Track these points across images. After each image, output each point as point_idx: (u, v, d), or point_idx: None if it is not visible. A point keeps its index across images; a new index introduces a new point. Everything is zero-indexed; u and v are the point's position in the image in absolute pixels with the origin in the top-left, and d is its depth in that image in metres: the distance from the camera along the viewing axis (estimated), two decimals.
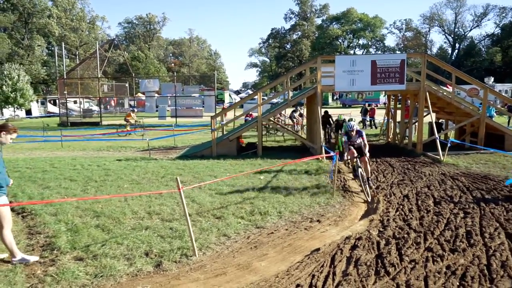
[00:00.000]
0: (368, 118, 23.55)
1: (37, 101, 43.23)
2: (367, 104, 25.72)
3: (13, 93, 35.13)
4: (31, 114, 40.17)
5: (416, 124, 14.33)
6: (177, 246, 4.97)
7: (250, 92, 49.06)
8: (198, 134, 19.49)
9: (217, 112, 15.57)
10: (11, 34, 56.73)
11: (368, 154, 8.48)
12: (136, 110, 27.35)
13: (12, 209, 6.79)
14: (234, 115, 18.75)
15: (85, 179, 9.40)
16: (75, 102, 36.07)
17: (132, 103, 38.66)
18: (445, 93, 13.07)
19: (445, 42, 76.79)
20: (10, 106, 36.80)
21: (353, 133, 8.48)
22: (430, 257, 4.35)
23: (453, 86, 12.81)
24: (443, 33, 74.93)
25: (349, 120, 12.54)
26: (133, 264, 4.41)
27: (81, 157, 13.40)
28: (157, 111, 29.31)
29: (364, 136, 8.58)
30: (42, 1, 59.85)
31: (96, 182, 9.04)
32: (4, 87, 34.69)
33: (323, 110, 14.51)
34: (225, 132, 15.62)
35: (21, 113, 39.16)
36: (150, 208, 6.74)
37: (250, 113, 18.41)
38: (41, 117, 38.55)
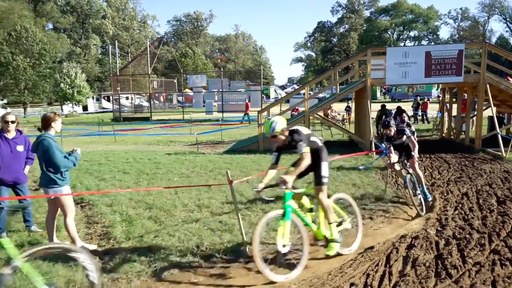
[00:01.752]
0: (420, 113, 22.54)
1: (93, 98, 45.53)
2: (419, 98, 24.56)
3: (71, 90, 37.20)
4: (87, 110, 42.37)
5: (474, 118, 13.49)
6: (227, 240, 4.98)
7: (296, 87, 48.67)
8: (244, 128, 19.58)
9: (263, 107, 15.56)
10: (70, 35, 60.14)
11: (416, 156, 6.66)
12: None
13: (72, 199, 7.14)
14: (280, 110, 18.66)
15: (137, 172, 9.71)
16: (127, 98, 37.57)
17: (180, 98, 39.64)
18: (508, 86, 12.16)
19: (506, 31, 71.72)
20: (68, 102, 39.03)
21: (391, 133, 6.58)
22: (497, 260, 4.03)
23: None
24: (504, 21, 69.97)
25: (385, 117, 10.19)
26: (185, 256, 4.45)
27: (133, 151, 13.90)
28: (204, 106, 29.85)
29: (409, 134, 6.71)
30: (98, 2, 62.90)
31: (147, 175, 9.31)
32: (62, 84, 36.81)
33: (380, 104, 14.05)
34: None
35: (78, 109, 41.40)
36: (200, 201, 6.82)
37: (297, 107, 18.21)
38: (96, 112, 40.54)
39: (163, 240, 4.95)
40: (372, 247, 4.64)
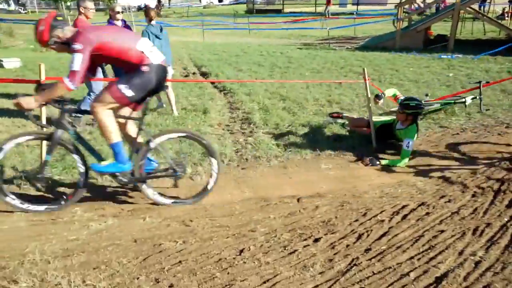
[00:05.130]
0: None
1: None
2: None
3: None
4: (222, 1, 43.55)
5: None
6: (356, 134, 5.20)
7: None
8: (381, 24, 18.16)
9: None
10: None
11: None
12: None
13: (216, 87, 8.03)
14: (424, 3, 16.59)
15: (271, 65, 10.17)
16: None
17: None
18: None
19: None
20: None
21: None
22: None
23: None
24: None
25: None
26: (316, 145, 4.86)
27: (266, 44, 14.33)
28: None
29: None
30: None
31: (280, 69, 9.71)
32: None
33: None
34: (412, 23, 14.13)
35: (214, 1, 42.82)
36: (330, 97, 7.02)
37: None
38: (230, 4, 41.46)
39: (296, 129, 5.41)
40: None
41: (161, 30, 5.79)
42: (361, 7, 25.50)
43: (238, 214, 3.29)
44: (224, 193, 3.68)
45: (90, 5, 5.15)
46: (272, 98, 7.03)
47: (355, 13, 21.39)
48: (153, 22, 5.77)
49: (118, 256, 2.63)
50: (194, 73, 9.65)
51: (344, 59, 10.74)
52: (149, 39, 5.19)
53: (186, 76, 9.39)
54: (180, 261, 2.59)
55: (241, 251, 2.72)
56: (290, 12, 27.65)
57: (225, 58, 11.26)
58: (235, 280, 2.39)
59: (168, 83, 6.08)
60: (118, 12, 5.91)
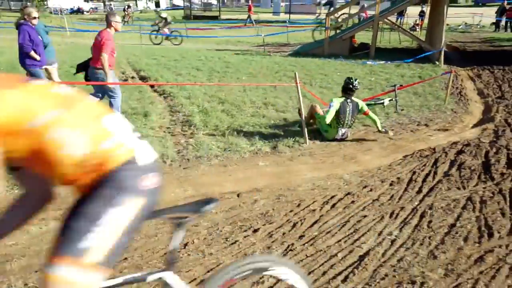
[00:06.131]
0: (504, 19, 20.07)
1: None
2: (506, 2, 21.55)
3: None
4: (159, 6, 42.60)
5: None
6: (290, 134, 5.46)
7: None
8: (310, 32, 18.95)
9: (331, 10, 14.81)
10: None
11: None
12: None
13: (155, 91, 7.93)
14: (349, 12, 17.62)
15: (209, 69, 10.22)
16: None
17: None
18: None
19: None
20: None
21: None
22: None
23: None
24: None
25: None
26: (253, 144, 5.03)
27: (204, 50, 14.33)
28: (271, 6, 28.77)
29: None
30: None
31: (218, 73, 9.80)
32: None
33: (460, 10, 12.77)
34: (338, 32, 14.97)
35: (152, 5, 41.80)
36: (266, 100, 7.26)
37: (365, 10, 17.09)
38: (168, 9, 40.70)
39: (235, 130, 5.54)
40: (422, 150, 4.89)
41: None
42: (293, 16, 26.40)
43: None
44: (167, 193, 3.70)
45: (119, 19, 5.39)
46: (211, 101, 7.11)
47: (287, 21, 22.10)
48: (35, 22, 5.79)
49: None
50: (133, 77, 9.41)
51: (278, 64, 11.10)
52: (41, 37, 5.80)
53: (125, 80, 9.13)
54: (126, 258, 2.61)
55: (185, 244, 2.79)
56: (227, 19, 27.83)
57: (164, 62, 11.12)
58: (180, 272, 2.46)
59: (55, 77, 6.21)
60: (35, 18, 5.71)
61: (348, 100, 5.30)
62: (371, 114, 5.48)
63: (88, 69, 5.32)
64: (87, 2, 37.30)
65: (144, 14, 35.10)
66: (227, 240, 2.88)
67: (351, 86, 5.31)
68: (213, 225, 3.10)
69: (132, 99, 7.05)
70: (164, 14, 16.72)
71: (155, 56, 12.25)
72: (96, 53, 5.13)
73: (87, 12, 33.49)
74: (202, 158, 4.59)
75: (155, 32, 16.30)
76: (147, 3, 40.62)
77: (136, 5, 40.51)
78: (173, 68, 10.32)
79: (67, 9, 33.61)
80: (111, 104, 5.37)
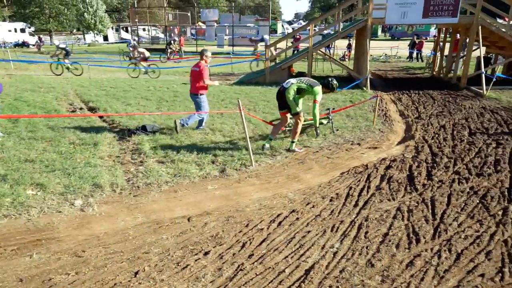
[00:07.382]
0: (415, 51, 22.03)
1: (112, 28, 44.28)
2: (415, 37, 23.77)
3: (94, 20, 36.21)
4: (107, 40, 41.48)
5: (464, 58, 13.29)
6: (237, 157, 5.45)
7: (303, 23, 46.64)
8: (253, 62, 19.41)
9: (270, 42, 15.40)
10: None
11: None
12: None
13: (105, 121, 7.59)
14: (286, 45, 18.33)
15: (158, 99, 10.02)
16: (144, 29, 36.57)
17: (193, 31, 38.53)
18: (499, 27, 11.79)
19: None
20: (91, 32, 38.17)
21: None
22: (456, 179, 4.48)
23: (510, 19, 11.48)
24: None
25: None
26: (203, 169, 4.95)
27: (153, 80, 14.08)
28: (216, 39, 29.16)
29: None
30: None
31: (167, 102, 9.63)
32: (86, 14, 35.75)
33: (379, 43, 13.73)
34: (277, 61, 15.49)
35: (100, 39, 40.57)
36: (213, 126, 7.22)
37: (299, 44, 17.92)
38: (116, 43, 39.73)
39: (184, 156, 5.42)
40: (356, 167, 5.09)
41: None
42: (236, 48, 26.93)
43: (132, 239, 3.16)
44: (117, 221, 3.49)
45: (210, 54, 6.67)
46: (161, 129, 6.93)
47: (231, 53, 22.49)
48: None
49: None
50: (81, 108, 8.95)
51: (224, 92, 11.16)
52: None
53: (73, 111, 8.66)
54: None
55: (136, 273, 2.62)
56: (174, 51, 27.65)
57: (113, 93, 10.73)
58: None
59: None
60: None
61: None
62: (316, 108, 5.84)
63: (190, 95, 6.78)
64: (33, 36, 35.35)
65: (91, 47, 33.96)
66: (178, 265, 2.75)
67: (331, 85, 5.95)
68: (164, 251, 2.95)
69: (81, 130, 6.68)
70: (62, 45, 15.98)
71: (104, 87, 11.80)
72: (196, 80, 6.54)
73: (33, 45, 31.65)
74: (152, 185, 4.41)
75: (61, 61, 15.27)
76: (95, 37, 39.38)
77: (84, 38, 39.13)
78: (122, 98, 9.99)
79: (11, 43, 31.60)
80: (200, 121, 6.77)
